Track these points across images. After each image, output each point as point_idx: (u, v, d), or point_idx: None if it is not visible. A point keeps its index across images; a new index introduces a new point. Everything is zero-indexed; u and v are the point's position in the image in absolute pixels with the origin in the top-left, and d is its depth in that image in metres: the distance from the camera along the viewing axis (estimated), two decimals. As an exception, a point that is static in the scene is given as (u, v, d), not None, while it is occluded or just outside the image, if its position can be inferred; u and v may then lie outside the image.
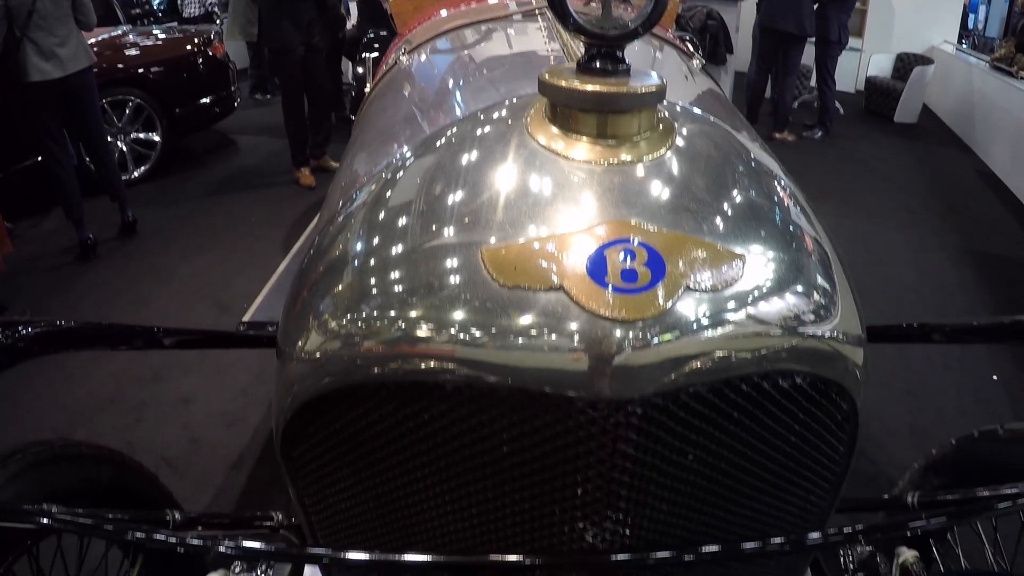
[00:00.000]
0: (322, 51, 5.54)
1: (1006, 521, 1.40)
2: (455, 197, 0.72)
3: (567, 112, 0.72)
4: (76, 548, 1.26)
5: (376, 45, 4.13)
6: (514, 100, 0.83)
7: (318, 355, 0.74)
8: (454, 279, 0.67)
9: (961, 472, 1.36)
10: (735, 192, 0.76)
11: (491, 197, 0.70)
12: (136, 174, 5.61)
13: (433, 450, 0.73)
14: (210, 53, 6.36)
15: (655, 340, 0.63)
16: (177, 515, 1.08)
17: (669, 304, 0.64)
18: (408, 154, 0.85)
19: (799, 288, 0.73)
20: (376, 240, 0.75)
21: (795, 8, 6.31)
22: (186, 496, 1.47)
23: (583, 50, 0.72)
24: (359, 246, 0.77)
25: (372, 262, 0.73)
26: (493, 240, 0.67)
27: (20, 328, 1.07)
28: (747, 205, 0.75)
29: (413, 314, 0.68)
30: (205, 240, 4.65)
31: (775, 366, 0.71)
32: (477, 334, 0.65)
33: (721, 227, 0.71)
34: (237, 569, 1.20)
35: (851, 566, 1.29)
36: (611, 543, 0.74)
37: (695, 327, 0.65)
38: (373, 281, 0.72)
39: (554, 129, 0.73)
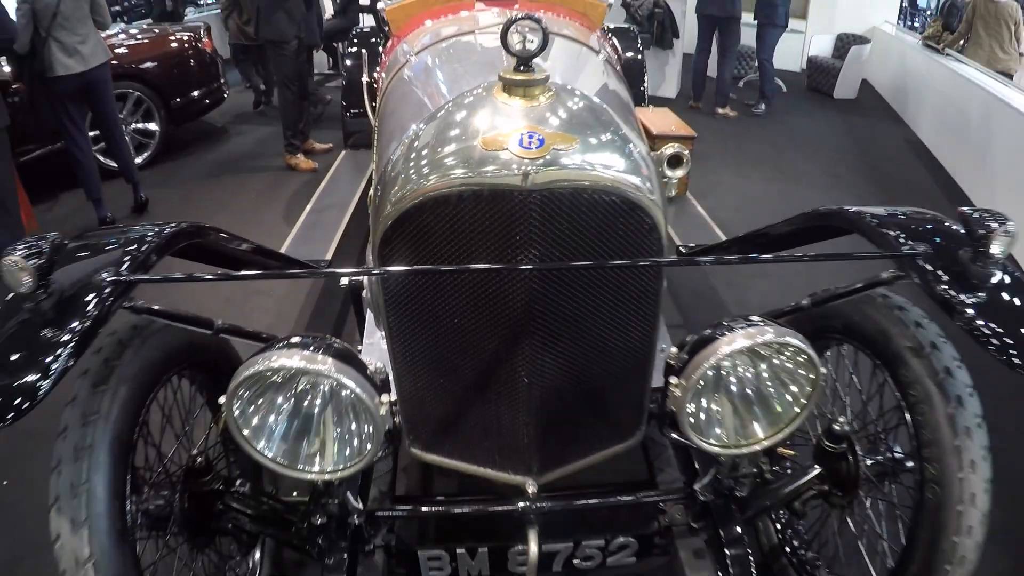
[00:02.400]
0: (307, 46, 6.08)
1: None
2: (468, 121, 1.44)
3: (509, 88, 1.42)
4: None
5: (355, 40, 4.67)
6: (483, 87, 1.50)
7: (410, 185, 1.43)
8: (468, 150, 1.38)
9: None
10: (583, 119, 1.45)
11: (481, 120, 1.41)
12: (138, 161, 6.03)
13: (454, 229, 1.42)
14: (201, 48, 6.89)
15: (542, 169, 1.34)
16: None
17: (547, 155, 1.34)
18: (425, 121, 1.55)
19: (619, 162, 1.42)
20: (426, 139, 1.49)
21: None
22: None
23: (515, 61, 1.42)
24: (412, 152, 1.49)
25: (427, 150, 1.46)
26: (483, 133, 1.38)
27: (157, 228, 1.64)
28: (586, 123, 1.45)
29: (450, 166, 1.39)
30: (211, 214, 5.19)
31: (602, 186, 1.40)
32: (477, 170, 1.36)
33: (570, 128, 1.40)
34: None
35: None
36: (533, 277, 1.44)
37: (559, 166, 1.35)
38: (431, 156, 1.43)
39: (505, 94, 1.43)
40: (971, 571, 1.54)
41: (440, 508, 2.02)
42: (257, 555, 2.06)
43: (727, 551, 1.68)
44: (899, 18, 10.04)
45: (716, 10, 7.22)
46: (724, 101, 7.67)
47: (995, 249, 1.46)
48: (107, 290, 1.42)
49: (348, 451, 1.47)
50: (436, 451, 1.78)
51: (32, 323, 1.36)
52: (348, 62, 4.39)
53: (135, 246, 1.54)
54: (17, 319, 1.38)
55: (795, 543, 2.15)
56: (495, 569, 1.79)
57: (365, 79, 4.07)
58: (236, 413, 1.39)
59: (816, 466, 1.88)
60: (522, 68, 1.42)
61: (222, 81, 7.26)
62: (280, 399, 1.43)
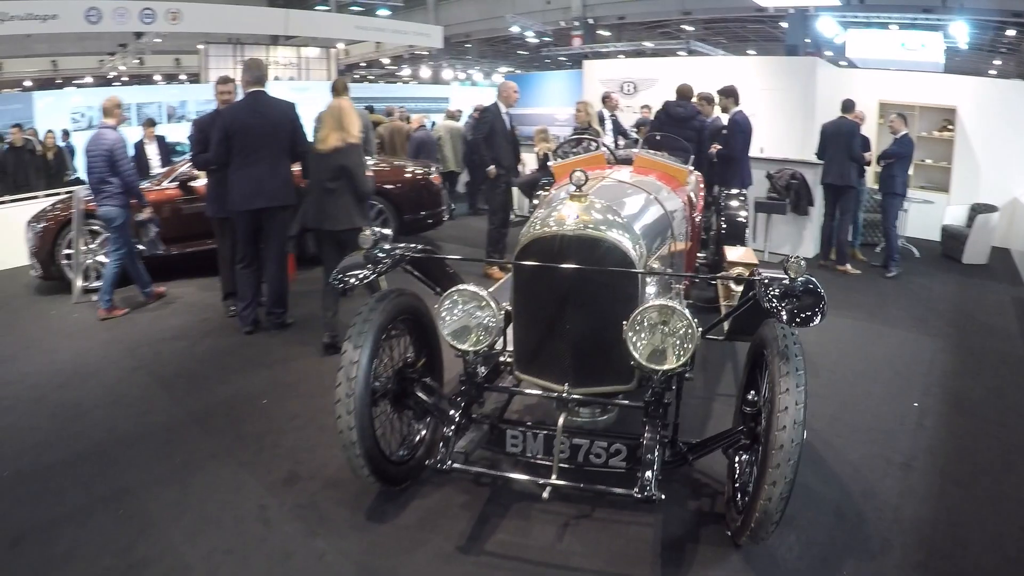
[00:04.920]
0: (511, 187, 8.22)
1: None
2: (556, 209, 3.31)
3: (572, 197, 3.23)
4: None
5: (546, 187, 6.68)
6: (563, 198, 3.30)
7: (530, 232, 3.25)
8: (556, 218, 3.22)
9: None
10: (602, 214, 3.21)
11: (561, 209, 3.25)
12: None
13: (544, 249, 3.22)
14: (431, 181, 9.17)
15: (579, 228, 3.14)
16: None
17: (580, 224, 3.11)
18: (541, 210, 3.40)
19: (617, 232, 3.15)
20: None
21: (838, 166, 8.45)
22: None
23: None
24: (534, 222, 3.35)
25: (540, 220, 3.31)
26: (561, 212, 3.23)
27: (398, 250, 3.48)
28: (605, 218, 3.20)
29: (546, 224, 3.22)
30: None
31: (603, 238, 3.12)
32: (558, 226, 3.21)
33: (593, 216, 3.17)
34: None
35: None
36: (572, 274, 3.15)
37: (586, 226, 3.13)
38: (543, 222, 3.29)
39: (570, 200, 3.23)
40: (788, 455, 2.74)
41: (525, 391, 3.59)
42: (423, 432, 3.75)
43: (647, 430, 3.11)
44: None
45: (836, 179, 8.52)
46: (844, 259, 8.71)
47: (791, 272, 2.94)
48: (397, 255, 3.35)
49: (483, 336, 3.20)
50: (527, 372, 3.43)
51: (365, 260, 3.30)
52: (535, 202, 6.37)
53: (405, 245, 3.43)
54: (361, 258, 3.31)
55: (737, 484, 3.42)
56: (545, 450, 3.25)
57: None
58: (441, 312, 3.18)
59: (741, 425, 3.27)
60: (575, 189, 3.17)
61: (443, 208, 9.47)
62: (456, 308, 3.18)
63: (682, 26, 27.75)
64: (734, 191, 6.80)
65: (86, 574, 3.09)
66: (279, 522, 3.44)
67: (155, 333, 6.29)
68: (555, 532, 3.34)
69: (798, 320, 2.89)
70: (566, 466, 3.18)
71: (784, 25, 22.08)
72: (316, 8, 26.15)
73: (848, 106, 8.64)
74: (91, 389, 5.08)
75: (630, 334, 2.99)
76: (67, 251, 7.51)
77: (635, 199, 4.00)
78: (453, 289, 3.25)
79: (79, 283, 7.39)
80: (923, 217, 10.14)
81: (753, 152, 8.50)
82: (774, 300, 2.97)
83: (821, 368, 5.47)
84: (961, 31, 17.47)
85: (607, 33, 28.24)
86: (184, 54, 25.85)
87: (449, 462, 3.10)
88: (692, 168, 5.46)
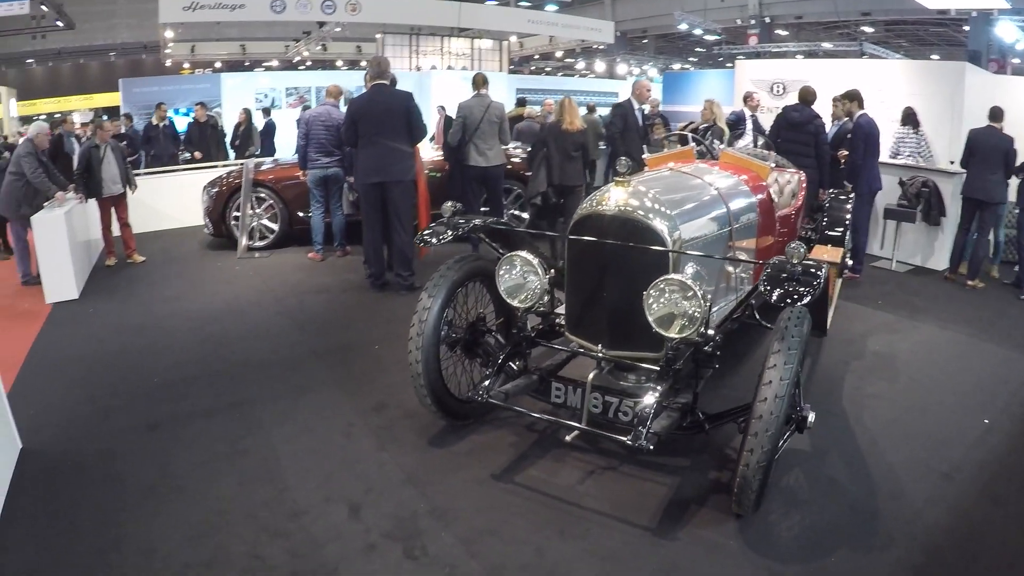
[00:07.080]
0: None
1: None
2: (604, 191, 3.87)
3: (616, 183, 3.75)
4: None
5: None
6: (612, 183, 3.82)
7: (581, 210, 3.83)
8: (602, 199, 3.74)
9: None
10: (641, 199, 3.68)
11: (608, 192, 3.80)
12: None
13: (590, 225, 3.77)
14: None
15: (620, 209, 3.62)
16: None
17: (621, 204, 3.61)
18: None
19: (653, 215, 3.60)
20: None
21: (985, 181, 8.01)
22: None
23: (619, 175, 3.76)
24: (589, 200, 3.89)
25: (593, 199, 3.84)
26: (607, 195, 3.74)
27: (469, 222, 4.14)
28: (642, 202, 3.66)
29: (595, 204, 3.75)
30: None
31: (639, 218, 3.61)
32: (603, 205, 3.74)
33: (632, 199, 3.64)
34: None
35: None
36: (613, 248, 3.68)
37: (628, 208, 3.61)
38: (594, 201, 3.82)
39: (615, 185, 3.75)
40: (766, 426, 2.95)
41: (565, 348, 4.09)
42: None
43: (652, 388, 3.52)
44: None
45: (981, 195, 8.07)
46: (975, 274, 8.29)
47: (794, 260, 3.23)
48: (473, 225, 4.02)
49: (529, 296, 3.81)
50: (573, 333, 3.95)
51: (444, 226, 4.00)
52: None
53: (479, 220, 4.08)
54: (442, 225, 4.00)
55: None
56: (581, 404, 3.68)
57: None
58: (500, 271, 3.79)
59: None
60: (618, 178, 3.63)
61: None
62: (513, 270, 3.80)
63: (862, 27, 26.64)
64: (839, 194, 6.97)
65: (201, 454, 4.00)
66: (359, 437, 4.22)
67: (301, 286, 7.38)
68: (579, 477, 3.83)
69: (787, 301, 3.19)
70: (597, 417, 3.61)
71: (967, 28, 20.80)
72: (488, 3, 27.22)
73: (996, 114, 8.12)
74: (237, 325, 6.16)
75: (649, 298, 3.40)
76: (235, 213, 8.74)
77: (689, 189, 4.37)
78: (512, 254, 3.85)
79: (244, 241, 8.61)
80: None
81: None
82: (767, 282, 3.27)
83: (902, 374, 5.46)
84: None
85: (784, 32, 27.55)
86: (364, 42, 27.55)
87: (485, 395, 3.71)
88: (774, 165, 5.70)
